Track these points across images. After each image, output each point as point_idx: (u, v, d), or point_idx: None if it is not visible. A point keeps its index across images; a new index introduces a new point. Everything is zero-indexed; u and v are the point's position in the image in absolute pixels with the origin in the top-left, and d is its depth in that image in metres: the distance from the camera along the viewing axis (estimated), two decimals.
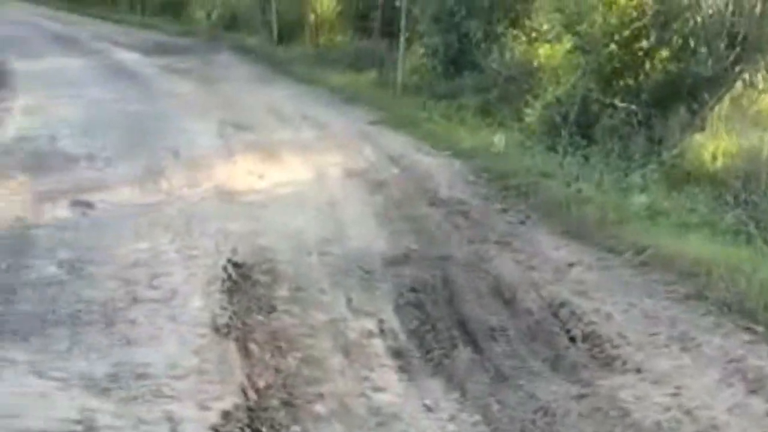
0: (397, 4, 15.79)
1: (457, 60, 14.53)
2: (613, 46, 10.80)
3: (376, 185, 9.53)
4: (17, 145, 9.88)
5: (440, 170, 10.17)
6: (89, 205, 8.08)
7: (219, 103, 13.32)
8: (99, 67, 15.64)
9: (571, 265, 7.21)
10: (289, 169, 9.97)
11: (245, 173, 9.59)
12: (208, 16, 24.05)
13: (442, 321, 6.16)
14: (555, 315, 6.29)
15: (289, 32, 20.47)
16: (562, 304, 6.38)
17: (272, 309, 6.14)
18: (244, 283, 6.51)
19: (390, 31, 17.78)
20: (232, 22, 22.93)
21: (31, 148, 9.81)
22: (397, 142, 11.58)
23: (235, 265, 6.80)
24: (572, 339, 5.97)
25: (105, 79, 14.46)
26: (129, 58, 16.76)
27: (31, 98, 12.40)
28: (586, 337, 5.94)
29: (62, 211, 7.91)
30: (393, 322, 6.11)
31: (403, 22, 15.57)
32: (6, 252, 6.77)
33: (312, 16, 20.44)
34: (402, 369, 5.50)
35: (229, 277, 6.58)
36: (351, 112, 13.85)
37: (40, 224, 7.48)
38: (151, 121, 11.53)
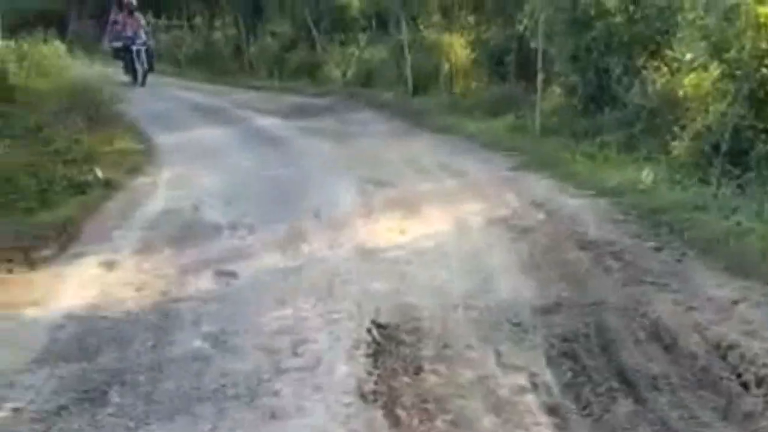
0: (533, 45, 15.53)
1: (597, 97, 14.16)
2: (764, 70, 10.26)
3: (521, 231, 9.23)
4: (163, 219, 9.98)
5: (587, 211, 9.80)
6: (232, 274, 8.04)
7: (357, 160, 13.27)
8: (240, 134, 15.85)
9: (735, 302, 6.75)
10: (431, 221, 9.76)
11: (386, 229, 9.43)
12: (344, 74, 24.30)
13: (599, 371, 5.81)
14: (723, 358, 5.86)
15: (424, 83, 20.44)
16: (730, 347, 5.94)
17: (419, 370, 5.90)
18: (388, 345, 6.30)
19: (526, 74, 17.54)
20: (367, 79, 23.05)
21: (176, 221, 9.89)
22: (539, 185, 11.27)
23: (379, 326, 6.60)
24: (744, 385, 5.52)
25: (246, 146, 14.62)
26: (269, 123, 16.95)
27: (176, 170, 12.60)
28: (760, 382, 5.48)
29: (206, 282, 7.88)
30: (546, 375, 5.79)
31: (539, 63, 15.28)
32: (152, 329, 6.74)
33: (446, 65, 20.38)
34: (558, 427, 5.17)
35: (374, 339, 6.38)
36: (490, 159, 13.61)
37: (184, 298, 7.46)
38: (292, 184, 11.54)
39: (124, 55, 23.20)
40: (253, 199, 10.76)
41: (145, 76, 22.89)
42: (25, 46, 18.29)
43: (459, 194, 11.07)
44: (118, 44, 23.68)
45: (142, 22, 23.75)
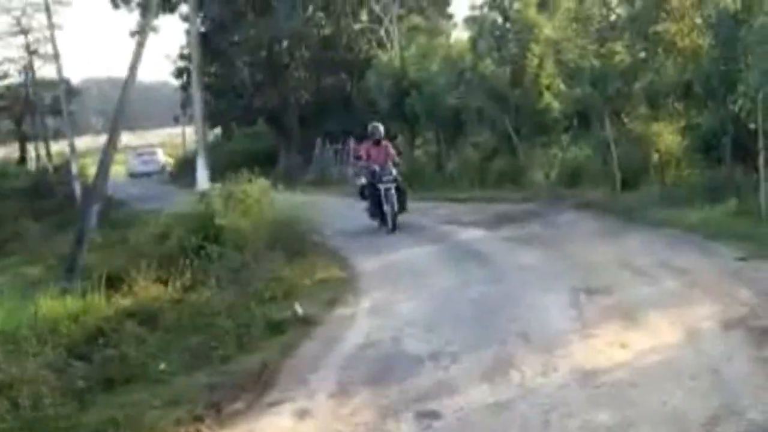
0: (752, 126, 14.10)
1: None
2: None
3: (765, 334, 7.81)
4: (361, 354, 9.10)
5: None
6: (435, 415, 7.02)
7: (566, 268, 12.09)
8: (443, 251, 14.93)
9: None
10: (655, 331, 8.47)
11: (605, 345, 8.21)
12: (547, 176, 23.26)
13: None
14: None
15: (632, 177, 19.19)
16: None
17: None
18: None
19: (743, 156, 16.02)
20: (572, 179, 21.97)
21: (374, 355, 8.99)
22: None
23: None
24: None
25: (450, 264, 13.71)
26: (471, 236, 15.96)
27: (376, 297, 11.76)
28: None
29: (406, 426, 6.90)
30: None
31: (760, 143, 13.82)
32: None
33: (655, 156, 19.02)
34: None
35: None
36: (713, 251, 12.17)
37: None
38: (497, 303, 10.46)
39: (370, 193, 18.52)
40: (456, 323, 9.74)
41: (395, 220, 17.95)
42: (231, 186, 18.26)
43: (684, 295, 9.73)
44: (362, 181, 19.33)
45: (392, 152, 19.15)
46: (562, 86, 23.36)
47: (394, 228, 17.69)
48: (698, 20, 18.25)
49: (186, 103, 39.85)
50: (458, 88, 26.48)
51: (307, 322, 10.53)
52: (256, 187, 17.77)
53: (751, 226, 13.27)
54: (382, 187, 17.99)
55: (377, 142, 18.99)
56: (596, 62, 20.50)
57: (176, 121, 52.21)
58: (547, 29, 23.67)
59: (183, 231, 16.17)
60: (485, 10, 32.12)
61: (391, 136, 33.98)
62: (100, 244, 19.11)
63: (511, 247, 14.56)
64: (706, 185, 16.39)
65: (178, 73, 40.87)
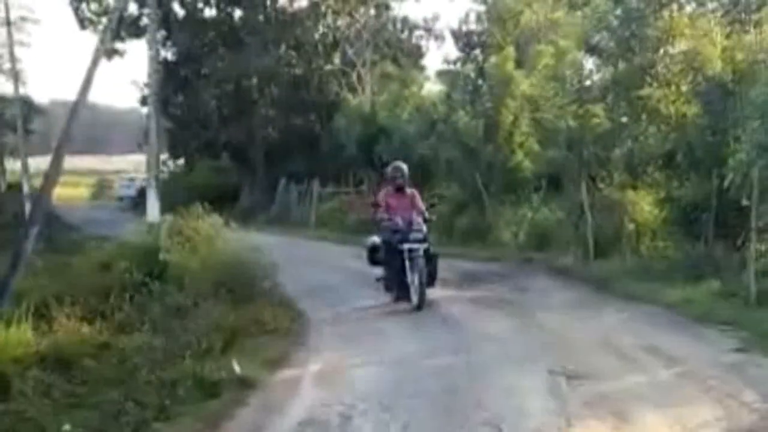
0: (744, 202, 12.88)
1: None
2: None
3: None
4: None
5: None
6: None
7: (542, 343, 10.60)
8: (407, 308, 13.36)
9: None
10: None
11: None
12: (515, 236, 21.85)
13: None
14: None
15: (605, 245, 17.82)
16: None
17: None
18: None
19: (725, 233, 14.80)
20: (541, 241, 20.59)
21: None
22: None
23: None
24: None
25: (413, 324, 12.20)
26: (439, 294, 14.26)
27: (327, 359, 10.15)
28: None
29: None
30: None
31: (753, 222, 12.59)
32: None
33: (631, 225, 17.68)
34: None
35: None
36: (703, 336, 10.80)
37: None
38: (465, 381, 8.90)
39: (389, 257, 13.59)
40: (417, 402, 8.15)
41: (423, 295, 13.18)
42: (181, 220, 16.72)
43: (679, 390, 8.30)
44: (374, 240, 14.37)
45: (420, 204, 14.32)
46: (536, 146, 22.07)
47: (421, 306, 13.05)
48: (685, 88, 17.02)
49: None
50: (429, 138, 25.15)
51: (244, 384, 8.93)
52: (206, 223, 16.23)
53: (738, 310, 11.92)
54: (406, 248, 13.31)
55: (400, 188, 14.20)
56: (573, 123, 19.25)
57: (140, 147, 50.50)
58: (524, 85, 22.42)
59: (126, 263, 14.69)
60: (458, 65, 31.16)
61: (357, 182, 33.10)
62: (40, 269, 17.43)
63: (481, 311, 13.10)
64: (685, 262, 15.06)
65: (143, 100, 39.30)
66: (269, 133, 37.29)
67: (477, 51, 33.25)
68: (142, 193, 51.73)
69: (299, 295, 14.81)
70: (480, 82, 23.90)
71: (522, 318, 12.40)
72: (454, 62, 35.17)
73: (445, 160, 24.08)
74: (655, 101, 17.22)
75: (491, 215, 22.73)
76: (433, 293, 13.74)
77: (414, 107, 28.07)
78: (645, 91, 17.25)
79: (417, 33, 38.90)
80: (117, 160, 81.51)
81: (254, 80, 36.35)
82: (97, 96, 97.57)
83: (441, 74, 32.84)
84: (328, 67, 35.67)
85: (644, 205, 17.79)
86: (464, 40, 36.00)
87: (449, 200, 24.91)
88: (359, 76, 31.85)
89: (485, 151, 22.98)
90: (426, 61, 40.58)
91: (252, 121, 37.16)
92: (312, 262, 20.45)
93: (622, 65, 18.29)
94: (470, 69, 25.13)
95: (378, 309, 13.52)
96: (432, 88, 31.68)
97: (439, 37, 38.39)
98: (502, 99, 22.84)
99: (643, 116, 17.78)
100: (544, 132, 21.03)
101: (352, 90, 32.56)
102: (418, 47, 39.11)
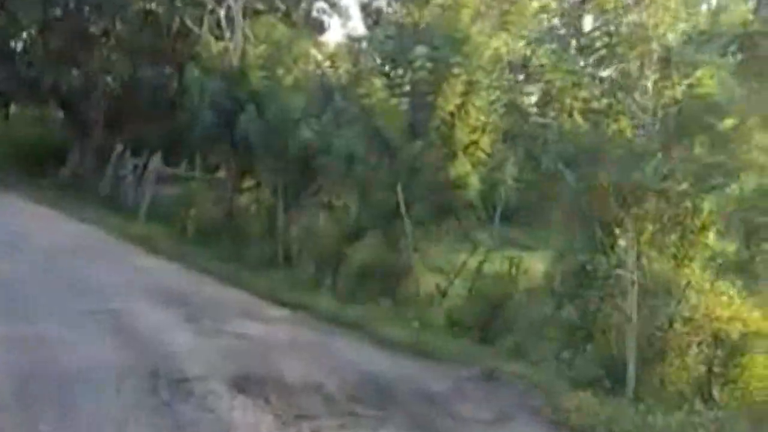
0: None
1: None
2: None
3: None
4: None
5: None
6: None
7: None
8: None
9: None
10: None
11: None
12: (443, 294, 12.47)
13: None
14: None
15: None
16: None
17: None
18: None
19: None
20: (493, 312, 11.24)
21: None
22: None
23: None
24: None
25: None
26: None
27: None
28: None
29: None
30: None
31: None
32: None
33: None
34: None
35: None
36: None
37: None
38: None
39: None
40: None
41: None
42: None
43: None
44: None
45: None
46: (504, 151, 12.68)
47: None
48: None
49: None
50: (321, 117, 15.38)
51: None
52: None
53: None
54: None
55: None
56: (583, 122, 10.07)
57: None
58: (497, 43, 12.96)
59: None
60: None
61: (210, 165, 22.99)
62: None
63: None
64: None
65: None
66: (111, 83, 26.62)
67: None
68: None
69: None
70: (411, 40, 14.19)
71: None
72: (359, 40, 25.22)
73: (343, 155, 14.31)
74: None
75: (410, 253, 13.21)
76: None
77: (303, 71, 18.17)
78: None
79: (318, 5, 28.87)
80: None
81: (89, 9, 25.57)
82: None
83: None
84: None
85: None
86: (374, 17, 26.24)
87: (338, 218, 15.25)
88: (228, 14, 21.14)
89: (408, 150, 13.49)
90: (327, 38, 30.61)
91: (90, 65, 26.42)
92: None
93: None
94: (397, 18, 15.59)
95: None
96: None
97: (344, 15, 28.50)
98: (446, 69, 13.37)
99: None
100: (519, 128, 11.60)
101: (218, 34, 21.85)
102: (320, 23, 29.05)
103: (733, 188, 8.67)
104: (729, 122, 9.37)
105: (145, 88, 26.64)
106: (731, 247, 8.98)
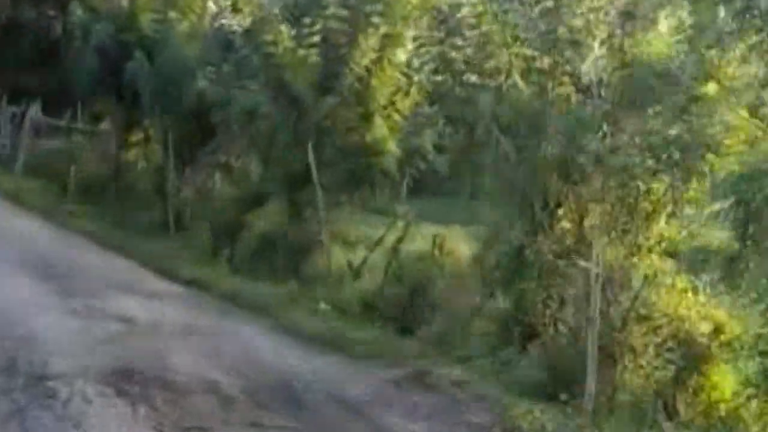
0: None
1: None
2: None
3: None
4: None
5: None
6: None
7: None
8: None
9: None
10: None
11: None
12: (357, 275, 11.03)
13: None
14: None
15: None
16: None
17: None
18: None
19: None
20: (412, 297, 9.87)
21: None
22: None
23: None
24: None
25: None
26: None
27: None
28: None
29: None
30: None
31: None
32: None
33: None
34: None
35: None
36: None
37: None
38: None
39: None
40: None
41: None
42: None
43: None
44: None
45: None
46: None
47: None
48: None
49: None
50: (220, 66, 13.60)
51: None
52: None
53: None
54: None
55: None
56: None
57: None
58: None
59: None
60: None
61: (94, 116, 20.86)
62: None
63: None
64: None
65: None
66: None
67: None
68: None
69: None
70: None
71: None
72: None
73: (244, 109, 12.63)
74: None
75: (319, 224, 11.69)
76: None
77: (197, 14, 16.28)
78: None
79: None
80: None
81: None
82: None
83: None
84: None
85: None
86: None
87: (238, 181, 13.60)
88: None
89: (318, 108, 11.93)
90: None
91: None
92: None
93: None
94: None
95: None
96: None
97: None
98: (362, 18, 11.85)
99: None
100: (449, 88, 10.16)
101: None
102: None
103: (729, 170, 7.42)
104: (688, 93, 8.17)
105: (26, 31, 24.50)
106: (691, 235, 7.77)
